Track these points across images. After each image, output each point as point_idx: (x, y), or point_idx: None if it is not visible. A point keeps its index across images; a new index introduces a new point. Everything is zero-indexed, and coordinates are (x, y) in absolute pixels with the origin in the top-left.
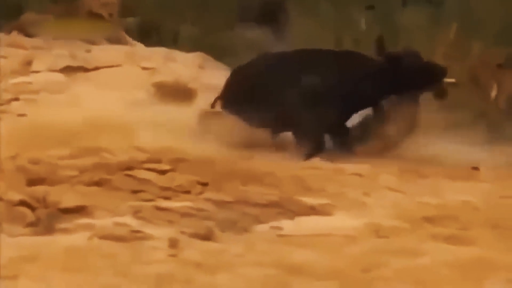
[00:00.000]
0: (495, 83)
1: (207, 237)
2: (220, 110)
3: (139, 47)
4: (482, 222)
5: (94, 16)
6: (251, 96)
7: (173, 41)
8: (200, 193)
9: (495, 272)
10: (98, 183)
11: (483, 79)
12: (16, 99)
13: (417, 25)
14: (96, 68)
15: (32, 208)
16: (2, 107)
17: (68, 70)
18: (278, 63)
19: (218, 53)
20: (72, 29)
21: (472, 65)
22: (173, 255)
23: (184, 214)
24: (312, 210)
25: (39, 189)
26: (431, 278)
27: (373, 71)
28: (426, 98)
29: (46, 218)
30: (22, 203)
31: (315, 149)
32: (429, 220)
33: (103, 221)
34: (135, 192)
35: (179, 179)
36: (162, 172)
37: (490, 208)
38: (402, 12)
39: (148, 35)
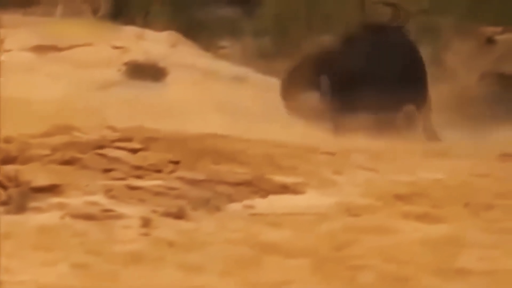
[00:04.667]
0: None
1: (179, 216)
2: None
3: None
4: (453, 200)
5: None
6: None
7: (144, 20)
8: (172, 171)
9: (466, 249)
10: (69, 162)
11: None
12: None
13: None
14: (68, 47)
15: (4, 187)
16: None
17: (39, 49)
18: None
19: (189, 31)
20: (72, 29)
21: None
22: (145, 234)
23: (156, 193)
24: (284, 189)
25: (11, 168)
26: (403, 256)
27: None
28: None
29: (18, 197)
30: None
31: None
32: (400, 198)
33: (75, 200)
34: (106, 171)
35: (150, 157)
36: (134, 151)
37: (461, 185)
38: None
39: (120, 13)
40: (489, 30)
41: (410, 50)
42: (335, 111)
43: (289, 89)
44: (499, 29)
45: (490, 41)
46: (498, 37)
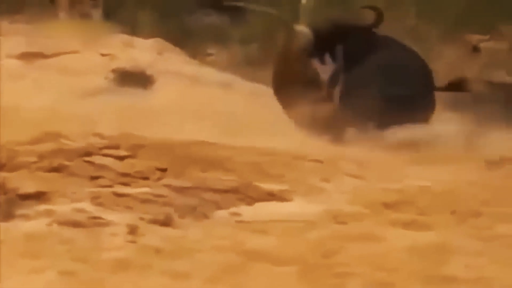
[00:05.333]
0: None
1: (166, 223)
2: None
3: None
4: (440, 207)
5: None
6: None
7: (132, 27)
8: (159, 179)
9: (453, 257)
10: (57, 169)
11: None
12: None
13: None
14: (55, 55)
15: None
16: None
17: (26, 56)
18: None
19: (176, 39)
20: (72, 30)
21: None
22: (132, 241)
23: (143, 200)
24: (271, 196)
25: None
26: (391, 263)
27: None
28: None
29: (5, 204)
30: None
31: None
32: (388, 205)
33: (62, 207)
34: (93, 178)
35: (138, 165)
36: (121, 158)
37: (448, 193)
38: None
39: (107, 20)
40: (476, 38)
41: (421, 65)
42: (339, 120)
43: (285, 89)
44: (486, 37)
45: (476, 49)
46: (485, 45)
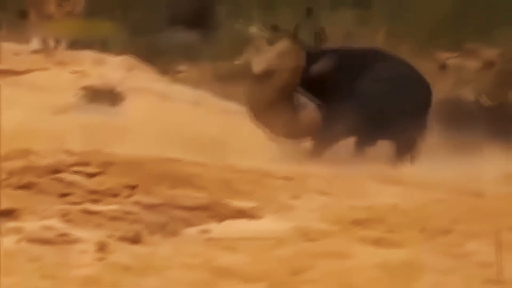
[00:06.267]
0: None
1: (135, 240)
2: None
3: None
4: (409, 224)
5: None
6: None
7: (102, 44)
8: (129, 196)
9: (423, 274)
10: (26, 186)
11: None
12: None
13: (345, 27)
14: (26, 72)
15: None
16: None
17: None
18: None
19: (146, 56)
20: (73, 30)
21: None
22: (101, 259)
23: (113, 218)
24: (241, 214)
25: None
26: (360, 281)
27: None
28: None
29: None
30: None
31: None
32: (357, 223)
33: (31, 225)
34: (63, 195)
35: (107, 182)
36: (90, 175)
37: (417, 210)
38: (330, 14)
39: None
40: (445, 55)
41: (416, 81)
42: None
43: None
44: (455, 54)
45: (443, 66)
46: (454, 62)
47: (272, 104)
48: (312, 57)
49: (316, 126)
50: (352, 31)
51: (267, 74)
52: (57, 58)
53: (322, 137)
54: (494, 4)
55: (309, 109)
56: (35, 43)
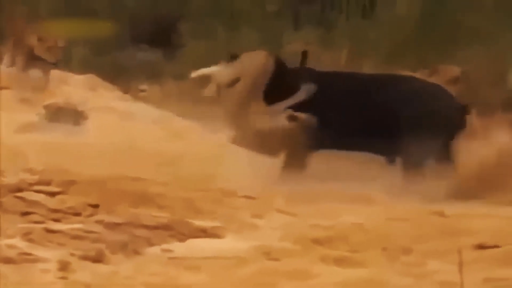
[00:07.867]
0: None
1: (97, 259)
2: None
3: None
4: (371, 244)
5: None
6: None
7: (65, 63)
8: (91, 215)
9: None
10: None
11: None
12: None
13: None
14: None
15: None
16: None
17: None
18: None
19: (109, 74)
20: (73, 30)
21: None
22: (63, 277)
23: (75, 236)
24: (203, 233)
25: None
26: None
27: None
28: None
29: None
30: None
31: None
32: (319, 242)
33: None
34: (24, 214)
35: (69, 201)
36: (52, 194)
37: (379, 229)
38: (293, 34)
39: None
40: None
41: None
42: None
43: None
44: (418, 73)
45: None
46: None
47: (244, 107)
48: (292, 73)
49: (293, 138)
50: (316, 50)
51: (232, 82)
52: (20, 76)
53: (297, 151)
54: (455, 25)
55: (286, 120)
56: (5, 62)
